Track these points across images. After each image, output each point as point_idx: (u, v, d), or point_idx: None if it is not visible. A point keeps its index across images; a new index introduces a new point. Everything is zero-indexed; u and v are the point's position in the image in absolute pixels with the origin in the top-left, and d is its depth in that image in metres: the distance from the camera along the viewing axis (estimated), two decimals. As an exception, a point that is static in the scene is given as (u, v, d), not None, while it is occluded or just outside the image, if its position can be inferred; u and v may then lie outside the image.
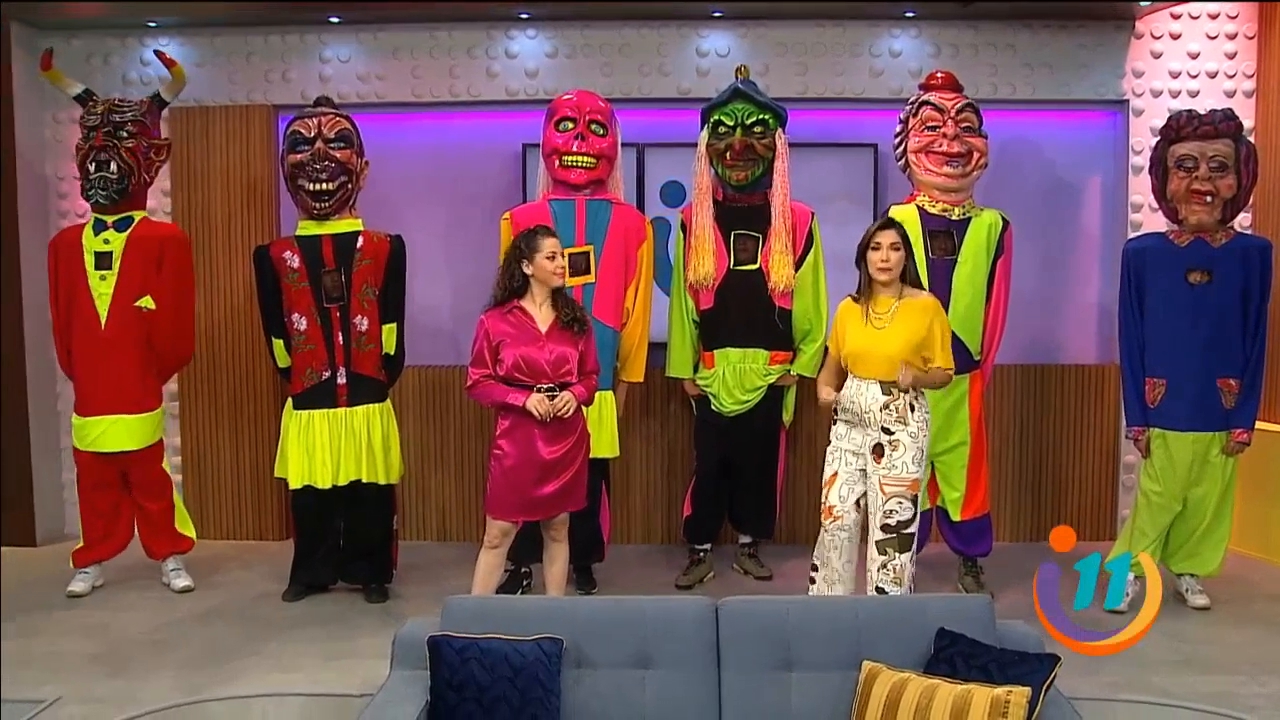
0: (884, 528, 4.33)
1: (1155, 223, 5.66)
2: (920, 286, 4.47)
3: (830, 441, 4.49)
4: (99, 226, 5.36)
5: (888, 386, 4.29)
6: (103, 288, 5.31)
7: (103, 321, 5.31)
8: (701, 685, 3.12)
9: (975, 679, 2.91)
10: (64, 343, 5.43)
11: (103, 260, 5.31)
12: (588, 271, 5.23)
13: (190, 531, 5.69)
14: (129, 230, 5.37)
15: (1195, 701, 4.09)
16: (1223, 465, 5.09)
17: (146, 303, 5.37)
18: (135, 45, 6.43)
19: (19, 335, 6.31)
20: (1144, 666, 4.37)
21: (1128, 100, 6.31)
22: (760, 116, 5.34)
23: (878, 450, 4.33)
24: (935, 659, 3.05)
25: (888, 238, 4.30)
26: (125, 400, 5.35)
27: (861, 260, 4.37)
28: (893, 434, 4.30)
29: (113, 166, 5.30)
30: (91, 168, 5.29)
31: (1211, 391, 5.02)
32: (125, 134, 5.36)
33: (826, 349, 4.73)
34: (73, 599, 5.39)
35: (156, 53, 5.71)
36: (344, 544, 5.45)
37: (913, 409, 4.30)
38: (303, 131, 5.26)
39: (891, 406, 4.29)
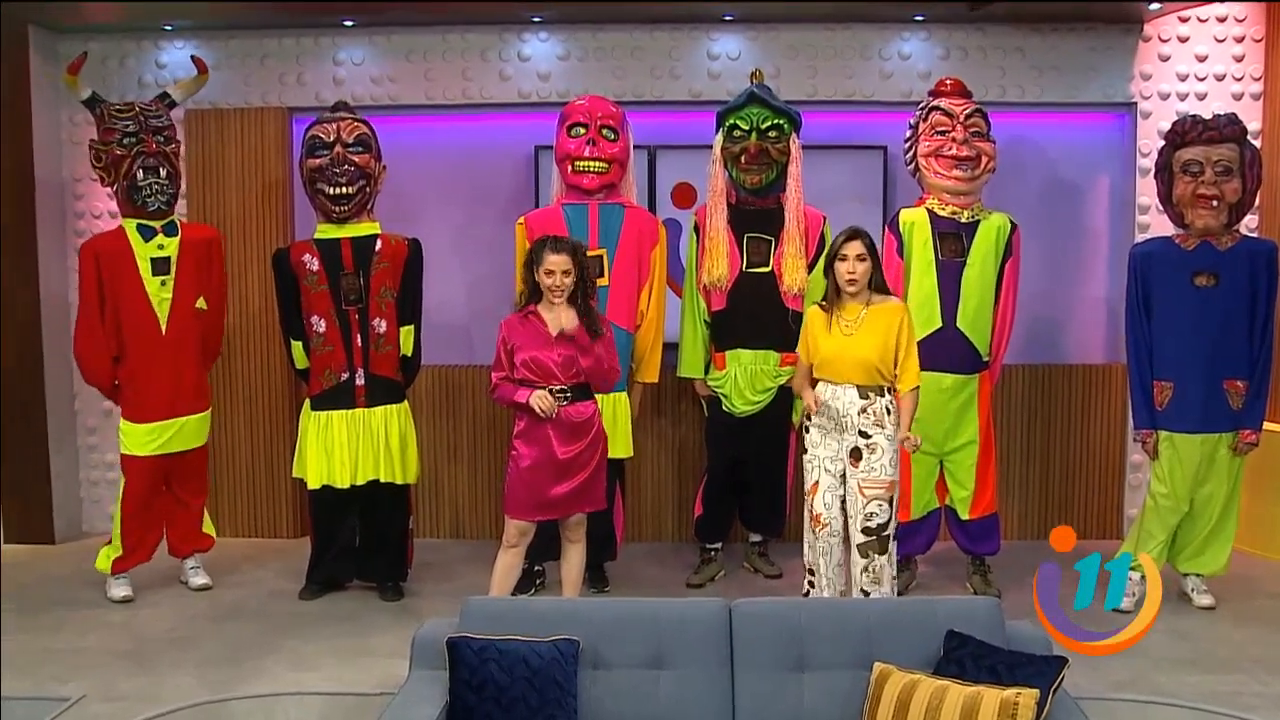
0: (864, 530, 4.42)
1: (1163, 224, 5.69)
2: (887, 293, 4.54)
3: (806, 450, 4.56)
4: (148, 232, 5.34)
5: (864, 390, 4.38)
6: (163, 293, 5.34)
7: (163, 326, 5.34)
8: (715, 685, 3.18)
9: (984, 680, 2.96)
10: (107, 350, 5.33)
11: (160, 266, 5.33)
12: (601, 275, 5.28)
13: (211, 530, 5.77)
14: (179, 234, 5.43)
15: (1200, 701, 4.15)
16: (1230, 465, 5.14)
17: (201, 304, 5.47)
18: (151, 48, 6.48)
19: (37, 335, 6.38)
20: (1149, 665, 4.43)
21: (1135, 103, 6.33)
22: (775, 121, 5.39)
23: (855, 454, 4.41)
24: (945, 660, 3.10)
25: (854, 249, 4.38)
26: (187, 401, 5.44)
27: (829, 270, 4.46)
28: (870, 437, 4.39)
29: (163, 172, 5.35)
30: (140, 174, 5.29)
31: (1218, 393, 5.06)
32: (164, 138, 5.42)
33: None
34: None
35: (194, 58, 5.76)
36: (360, 543, 5.53)
37: (889, 412, 4.41)
38: (322, 136, 5.31)
39: (869, 410, 4.39)
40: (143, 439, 5.36)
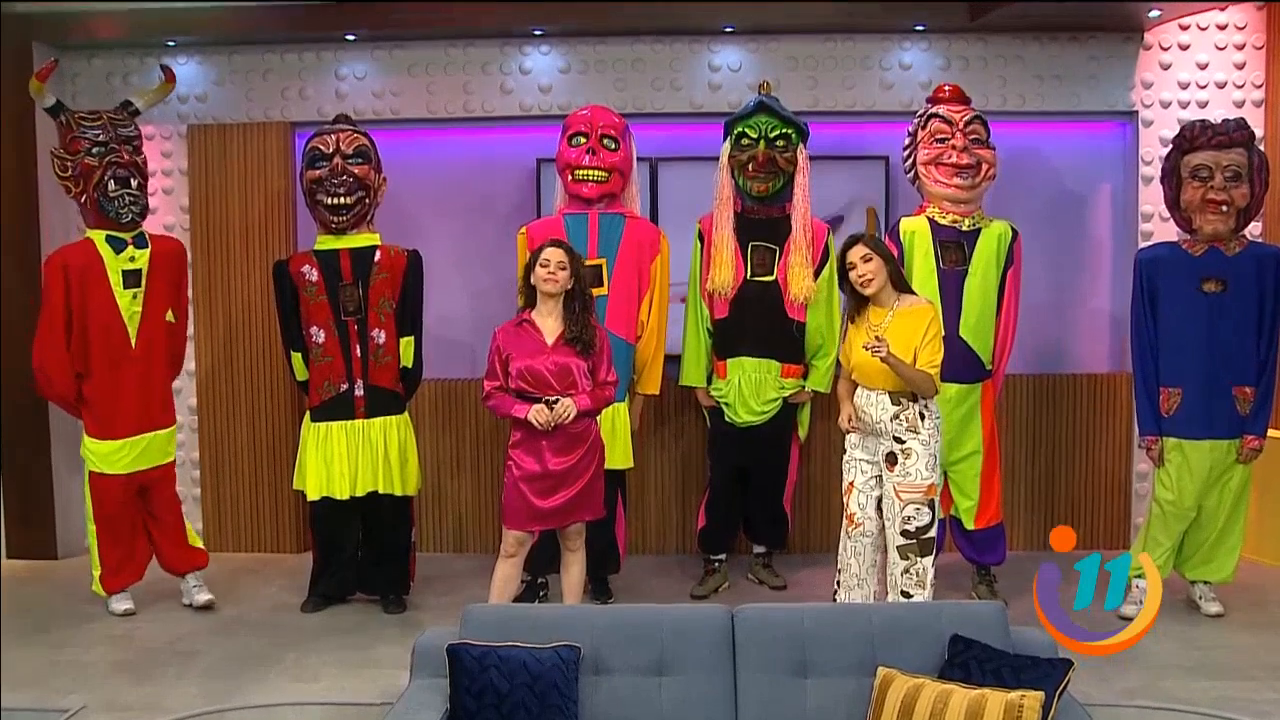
0: (904, 533, 4.41)
1: (1166, 232, 5.69)
2: (910, 290, 4.52)
3: (845, 450, 4.58)
4: (118, 245, 5.28)
5: (897, 397, 4.36)
6: (134, 306, 5.28)
7: (133, 340, 5.30)
8: (718, 692, 3.16)
9: (989, 684, 2.94)
10: (72, 366, 5.23)
11: (131, 278, 5.27)
12: (600, 284, 5.27)
13: (199, 543, 5.71)
14: (149, 246, 5.38)
15: (1209, 707, 4.12)
16: (1237, 473, 5.11)
17: (170, 316, 5.45)
18: (154, 65, 6.45)
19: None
20: (1157, 672, 4.40)
21: (1137, 111, 6.32)
22: (783, 130, 5.40)
23: (890, 459, 4.40)
24: (949, 664, 3.08)
25: (856, 253, 4.38)
26: (155, 416, 5.40)
27: (845, 285, 4.46)
28: (904, 443, 4.37)
29: (134, 183, 5.30)
30: (112, 185, 5.21)
31: (1227, 399, 5.04)
32: (133, 148, 5.38)
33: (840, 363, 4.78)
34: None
35: (163, 67, 5.74)
36: (362, 555, 5.51)
37: (923, 417, 4.38)
38: (321, 148, 5.32)
39: (902, 416, 4.36)
40: (112, 456, 5.28)
